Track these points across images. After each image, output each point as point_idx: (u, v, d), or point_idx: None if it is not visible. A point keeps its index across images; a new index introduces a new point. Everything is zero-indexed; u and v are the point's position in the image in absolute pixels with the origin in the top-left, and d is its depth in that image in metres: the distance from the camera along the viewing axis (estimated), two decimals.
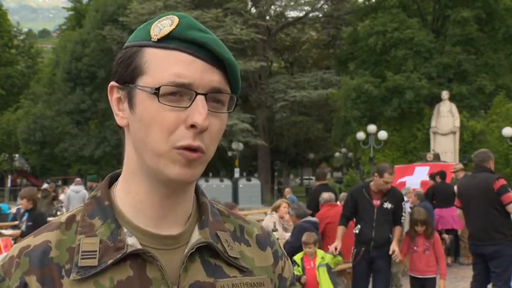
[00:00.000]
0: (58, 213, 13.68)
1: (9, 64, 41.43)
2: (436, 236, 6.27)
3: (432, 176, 11.13)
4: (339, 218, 7.77)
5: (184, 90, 0.84)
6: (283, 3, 31.42)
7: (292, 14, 34.43)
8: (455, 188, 7.40)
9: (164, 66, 0.85)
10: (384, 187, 5.84)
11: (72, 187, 11.26)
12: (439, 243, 6.25)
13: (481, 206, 5.70)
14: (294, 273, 1.07)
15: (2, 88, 40.08)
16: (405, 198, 10.09)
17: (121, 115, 0.91)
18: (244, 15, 28.99)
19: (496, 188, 5.60)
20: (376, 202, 5.91)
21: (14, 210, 13.67)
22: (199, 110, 0.83)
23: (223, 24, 27.11)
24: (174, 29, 0.86)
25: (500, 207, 5.62)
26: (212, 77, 0.86)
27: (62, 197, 16.07)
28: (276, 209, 7.96)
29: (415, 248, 6.17)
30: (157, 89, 0.84)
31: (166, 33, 0.86)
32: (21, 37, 45.79)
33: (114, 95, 0.92)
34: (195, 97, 0.84)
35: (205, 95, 0.85)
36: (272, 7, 31.44)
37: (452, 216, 9.16)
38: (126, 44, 0.92)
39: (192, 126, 0.84)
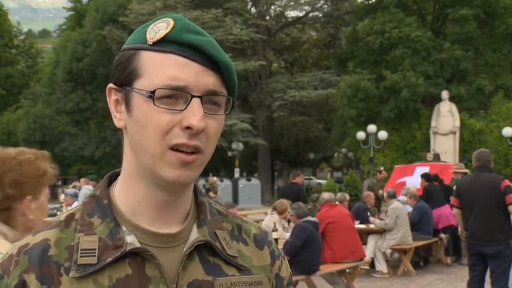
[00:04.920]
0: (58, 213, 13.66)
1: (9, 64, 41.47)
2: None
3: (427, 178, 11.08)
4: (339, 219, 7.78)
5: (180, 93, 0.85)
6: (283, 3, 31.42)
7: (292, 14, 34.47)
8: (454, 188, 7.40)
9: (159, 69, 0.86)
10: None
11: (87, 186, 11.59)
12: None
13: (486, 206, 5.65)
14: (290, 273, 1.06)
15: (2, 88, 40.12)
16: (404, 198, 10.12)
17: (119, 117, 0.92)
18: (244, 15, 28.99)
19: (503, 188, 5.60)
20: None
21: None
22: (194, 112, 0.84)
23: (223, 24, 27.10)
24: (169, 32, 0.87)
25: (505, 207, 5.62)
26: (207, 80, 0.87)
27: (62, 197, 16.02)
28: (281, 212, 7.93)
29: None
30: (153, 92, 0.85)
31: (161, 36, 0.87)
32: (21, 37, 45.86)
33: (112, 96, 0.93)
34: (191, 100, 0.85)
35: (200, 97, 0.86)
36: (272, 7, 31.44)
37: (450, 212, 9.18)
38: (123, 46, 0.93)
39: (188, 128, 0.84)
